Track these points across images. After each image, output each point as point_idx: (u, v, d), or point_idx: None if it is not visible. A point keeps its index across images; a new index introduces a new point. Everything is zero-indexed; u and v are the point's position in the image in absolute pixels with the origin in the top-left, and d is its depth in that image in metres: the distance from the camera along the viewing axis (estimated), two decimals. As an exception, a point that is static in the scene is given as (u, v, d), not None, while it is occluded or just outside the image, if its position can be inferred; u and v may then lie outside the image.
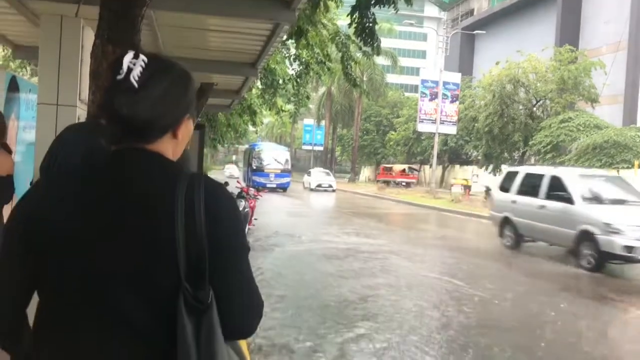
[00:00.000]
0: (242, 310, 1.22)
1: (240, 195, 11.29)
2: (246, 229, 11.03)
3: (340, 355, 4.91)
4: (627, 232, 9.30)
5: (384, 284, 8.22)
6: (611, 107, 35.50)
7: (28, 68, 16.74)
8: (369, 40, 10.32)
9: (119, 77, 1.16)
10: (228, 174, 49.78)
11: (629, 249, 9.16)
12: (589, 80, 32.65)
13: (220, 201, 1.21)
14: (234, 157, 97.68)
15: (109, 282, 1.13)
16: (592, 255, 9.70)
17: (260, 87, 14.25)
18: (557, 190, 10.89)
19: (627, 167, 24.30)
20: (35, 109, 4.91)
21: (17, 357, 1.31)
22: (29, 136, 5.62)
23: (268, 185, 30.09)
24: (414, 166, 48.91)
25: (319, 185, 36.62)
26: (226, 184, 12.37)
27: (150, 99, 1.18)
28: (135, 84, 1.16)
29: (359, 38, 10.38)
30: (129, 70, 1.16)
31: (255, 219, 13.01)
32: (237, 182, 12.81)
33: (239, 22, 5.35)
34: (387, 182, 44.26)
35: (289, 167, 34.67)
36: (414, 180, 46.18)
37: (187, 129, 1.30)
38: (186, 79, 1.30)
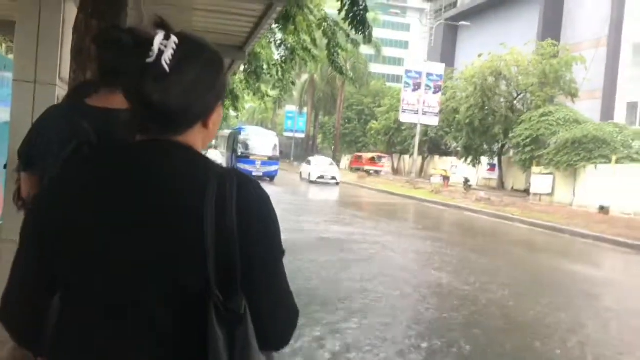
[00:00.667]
0: (278, 322, 1.12)
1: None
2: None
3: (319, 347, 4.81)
4: None
5: (368, 276, 8.12)
6: (590, 102, 35.90)
7: (4, 45, 16.20)
8: (360, 27, 10.17)
9: (149, 60, 1.03)
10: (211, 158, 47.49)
11: None
12: (569, 75, 32.98)
13: (254, 201, 1.11)
14: (212, 142, 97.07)
15: (130, 283, 1.04)
16: None
17: (243, 71, 13.97)
18: None
19: (605, 162, 24.59)
20: (10, 86, 4.64)
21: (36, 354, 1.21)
22: (3, 115, 5.35)
23: (254, 174, 26.98)
24: (382, 155, 49.05)
25: (321, 177, 32.06)
26: None
27: (183, 85, 1.07)
28: (167, 68, 1.04)
29: (350, 26, 10.22)
30: (160, 52, 1.04)
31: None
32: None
33: (230, 1, 5.13)
34: (358, 170, 44.15)
35: (278, 154, 31.72)
36: (381, 169, 46.23)
37: (218, 116, 1.19)
38: (218, 61, 1.19)
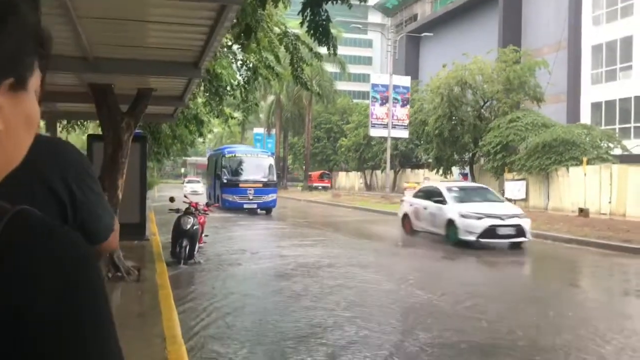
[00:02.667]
0: None
1: (188, 212, 10.36)
2: (196, 248, 10.13)
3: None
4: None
5: (348, 305, 7.49)
6: (555, 105, 36.21)
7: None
8: (323, 39, 9.67)
9: None
10: (190, 190, 36.88)
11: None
12: (533, 80, 33.19)
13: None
14: (182, 170, 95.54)
15: None
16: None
17: (205, 94, 13.35)
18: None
19: (576, 164, 24.58)
20: None
21: None
22: None
23: (246, 206, 22.77)
24: (327, 172, 54.32)
25: (495, 232, 15.36)
26: (172, 199, 11.52)
27: None
28: None
29: (313, 38, 9.73)
30: None
31: (205, 236, 12.08)
32: (185, 195, 11.83)
33: (176, 10, 4.54)
34: (310, 187, 48.44)
35: (275, 178, 25.08)
36: (328, 185, 51.06)
37: (17, 107, 0.61)
38: None
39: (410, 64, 55.92)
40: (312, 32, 8.68)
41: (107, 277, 7.79)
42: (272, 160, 25.76)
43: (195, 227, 9.98)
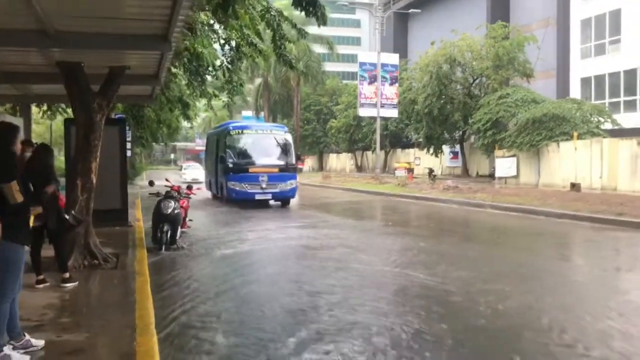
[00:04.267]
0: None
1: (169, 195, 10.00)
2: (178, 233, 9.80)
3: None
4: None
5: (340, 287, 7.21)
6: (545, 81, 35.95)
7: None
8: (310, 9, 9.27)
9: None
10: (190, 177, 33.39)
11: None
12: (523, 56, 32.89)
13: None
14: (172, 156, 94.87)
15: None
16: None
17: (186, 74, 12.91)
18: None
19: (567, 139, 24.37)
20: None
21: None
22: None
23: (258, 197, 18.32)
24: (302, 156, 52.86)
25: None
26: (151, 183, 11.15)
27: None
28: None
29: (300, 8, 9.31)
30: None
31: (190, 220, 11.76)
32: (166, 179, 11.43)
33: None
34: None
35: (294, 160, 19.74)
36: (301, 167, 49.07)
37: None
38: None
39: (398, 42, 55.34)
40: (298, 3, 8.32)
41: (82, 265, 7.48)
42: (289, 138, 20.21)
43: (176, 212, 9.64)
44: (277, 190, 18.58)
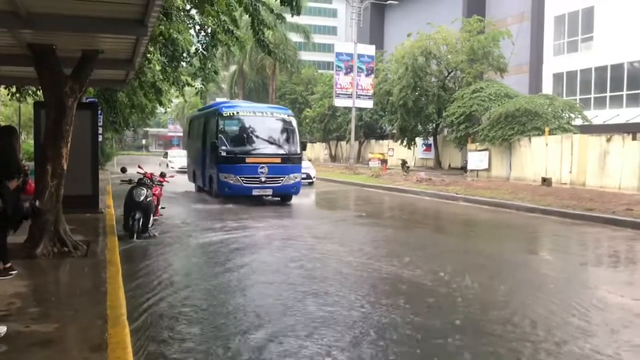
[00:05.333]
0: None
1: (141, 183, 9.82)
2: (151, 221, 9.65)
3: None
4: None
5: (307, 276, 7.19)
6: (518, 76, 36.41)
7: None
8: (285, -3, 9.21)
9: None
10: (178, 166, 30.53)
11: None
12: (497, 50, 33.21)
13: None
14: (143, 142, 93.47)
15: None
16: None
17: (161, 59, 12.69)
18: None
19: (538, 134, 24.74)
20: None
21: None
22: None
23: (256, 192, 15.59)
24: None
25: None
26: (123, 169, 10.93)
27: None
28: None
29: (275, -3, 9.23)
30: None
31: (162, 208, 11.60)
32: (139, 166, 11.20)
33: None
34: None
35: (298, 149, 16.72)
36: None
37: None
38: None
39: (375, 34, 55.42)
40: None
41: (52, 253, 7.30)
42: (294, 122, 17.05)
43: (149, 199, 9.48)
44: (278, 184, 15.67)
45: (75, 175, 9.87)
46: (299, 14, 9.54)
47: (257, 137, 16.17)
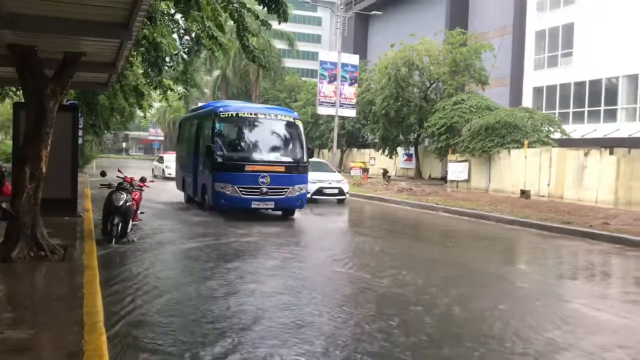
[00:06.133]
0: None
1: (121, 187, 9.73)
2: (130, 226, 9.56)
3: None
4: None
5: (285, 287, 7.18)
6: (499, 89, 36.85)
7: None
8: (273, 5, 9.23)
9: None
10: (170, 171, 27.70)
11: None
12: (479, 63, 33.60)
13: None
14: (124, 145, 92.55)
15: None
16: None
17: (144, 64, 12.61)
18: None
19: (518, 147, 25.06)
20: None
21: None
22: None
23: (255, 205, 13.74)
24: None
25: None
26: (103, 173, 10.82)
27: None
28: None
29: (262, 4, 9.25)
30: None
31: (141, 213, 11.49)
32: (119, 170, 11.07)
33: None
34: None
35: (305, 156, 14.65)
36: None
37: None
38: None
39: (359, 43, 55.73)
40: (261, -1, 8.32)
41: (28, 257, 7.19)
42: (300, 126, 14.96)
43: (128, 204, 9.39)
44: (282, 196, 13.78)
45: (54, 178, 9.74)
46: (285, 21, 9.57)
47: (258, 142, 14.49)
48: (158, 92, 14.69)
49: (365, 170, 34.05)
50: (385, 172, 31.42)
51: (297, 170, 14.17)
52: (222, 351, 4.50)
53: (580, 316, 6.23)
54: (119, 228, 9.17)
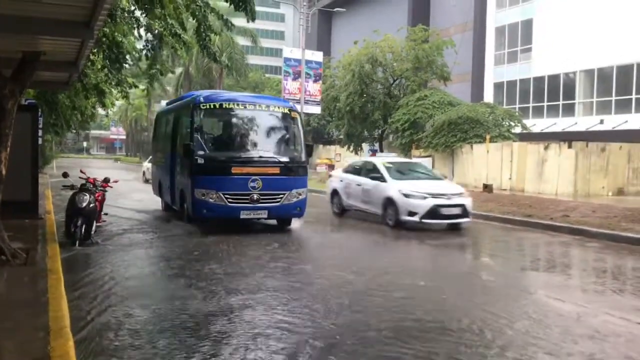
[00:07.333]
0: None
1: (84, 188, 9.54)
2: (93, 228, 9.39)
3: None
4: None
5: (259, 289, 7.19)
6: (460, 84, 37.47)
7: None
8: (240, 4, 9.18)
9: None
10: None
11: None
12: (441, 59, 34.02)
13: None
14: (84, 144, 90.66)
15: None
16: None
17: (105, 61, 12.36)
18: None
19: (480, 142, 25.52)
20: None
21: None
22: None
23: (245, 215, 11.39)
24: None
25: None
26: (65, 174, 10.59)
27: None
28: None
29: (229, 2, 9.20)
30: None
31: (105, 214, 11.30)
32: (81, 170, 10.81)
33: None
34: None
35: (303, 155, 12.23)
36: None
37: None
38: None
39: (322, 40, 55.85)
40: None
41: (-12, 262, 7.00)
42: (298, 119, 12.71)
43: (92, 205, 9.22)
44: (276, 203, 11.56)
45: (14, 180, 9.49)
46: (253, 20, 9.53)
47: (247, 138, 12.21)
48: (119, 89, 14.43)
49: (331, 166, 34.19)
50: (350, 168, 31.52)
51: (294, 172, 11.96)
52: (200, 355, 4.49)
53: (543, 306, 6.40)
54: (83, 230, 9.01)
